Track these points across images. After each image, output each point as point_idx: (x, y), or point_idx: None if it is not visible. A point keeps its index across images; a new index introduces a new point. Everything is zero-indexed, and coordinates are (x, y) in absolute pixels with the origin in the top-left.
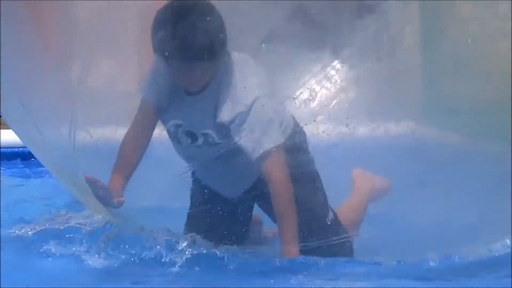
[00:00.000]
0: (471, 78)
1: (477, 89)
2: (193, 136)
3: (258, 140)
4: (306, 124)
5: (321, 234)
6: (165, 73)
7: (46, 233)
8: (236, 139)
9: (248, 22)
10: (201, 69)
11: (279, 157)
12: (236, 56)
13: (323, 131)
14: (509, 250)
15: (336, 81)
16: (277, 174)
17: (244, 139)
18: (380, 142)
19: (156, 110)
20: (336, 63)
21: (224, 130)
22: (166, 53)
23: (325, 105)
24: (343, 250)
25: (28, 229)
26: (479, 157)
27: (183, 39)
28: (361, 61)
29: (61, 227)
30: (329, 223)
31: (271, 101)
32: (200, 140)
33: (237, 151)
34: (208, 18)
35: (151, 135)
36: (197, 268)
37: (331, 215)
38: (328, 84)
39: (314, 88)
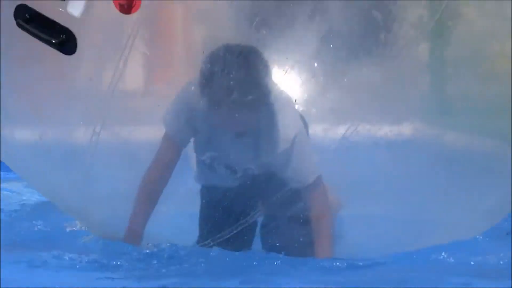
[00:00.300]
0: (477, 78)
1: (483, 89)
2: (231, 169)
3: (302, 174)
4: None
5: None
6: (202, 114)
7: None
8: (279, 173)
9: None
10: (249, 114)
11: (321, 185)
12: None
13: (326, 133)
14: None
15: (338, 82)
16: (321, 201)
17: (288, 174)
18: (383, 143)
19: (181, 146)
20: (339, 64)
21: (267, 166)
22: (215, 98)
23: (328, 107)
24: None
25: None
26: (480, 156)
27: (237, 86)
28: (364, 62)
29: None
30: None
31: (306, 132)
32: (239, 173)
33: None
34: (260, 65)
35: (174, 167)
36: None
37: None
38: (330, 85)
39: (315, 90)
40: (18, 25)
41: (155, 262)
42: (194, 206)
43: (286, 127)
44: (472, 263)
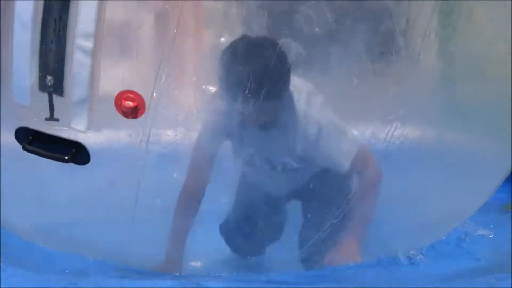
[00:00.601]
0: (487, 81)
1: (494, 92)
2: (271, 164)
3: (339, 154)
4: None
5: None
6: (227, 111)
7: None
8: (318, 161)
9: None
10: (272, 106)
11: (365, 153)
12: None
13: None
14: None
15: (348, 83)
16: (372, 166)
17: (326, 160)
18: (393, 146)
19: (214, 153)
20: (349, 65)
21: (303, 157)
22: (237, 90)
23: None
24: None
25: None
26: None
27: (258, 77)
28: (374, 62)
29: None
30: None
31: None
32: (279, 167)
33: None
34: (278, 54)
35: (209, 178)
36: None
37: None
38: (335, 87)
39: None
40: (24, 149)
41: None
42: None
43: (311, 115)
44: (472, 262)
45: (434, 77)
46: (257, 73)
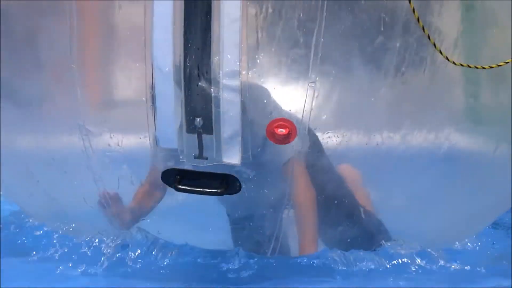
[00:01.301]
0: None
1: None
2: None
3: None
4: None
5: (361, 228)
6: None
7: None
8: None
9: None
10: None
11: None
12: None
13: (360, 140)
14: None
15: (372, 91)
16: (300, 180)
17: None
18: (417, 151)
19: None
20: (374, 71)
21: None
22: None
23: (362, 115)
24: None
25: None
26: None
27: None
28: (400, 70)
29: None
30: (363, 216)
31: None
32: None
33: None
34: None
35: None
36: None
37: (361, 209)
38: (364, 94)
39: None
40: (176, 189)
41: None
42: None
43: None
44: (472, 262)
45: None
46: None
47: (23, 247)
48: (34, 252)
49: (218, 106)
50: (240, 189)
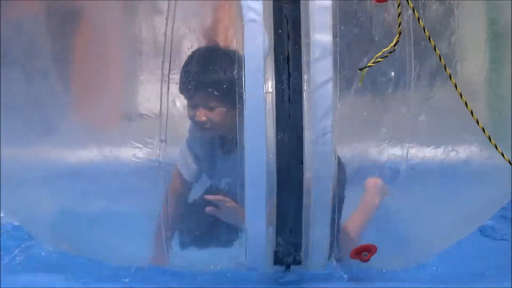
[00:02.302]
0: None
1: None
2: None
3: None
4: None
5: None
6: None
7: None
8: None
9: None
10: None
11: None
12: None
13: (380, 153)
14: None
15: (393, 103)
16: None
17: None
18: (443, 165)
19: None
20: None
21: None
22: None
23: (386, 126)
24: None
25: None
26: None
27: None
28: (426, 82)
29: None
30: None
31: None
32: None
33: None
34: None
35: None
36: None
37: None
38: (384, 106)
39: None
40: None
41: None
42: None
43: None
44: (472, 262)
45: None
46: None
47: None
48: None
49: None
50: None
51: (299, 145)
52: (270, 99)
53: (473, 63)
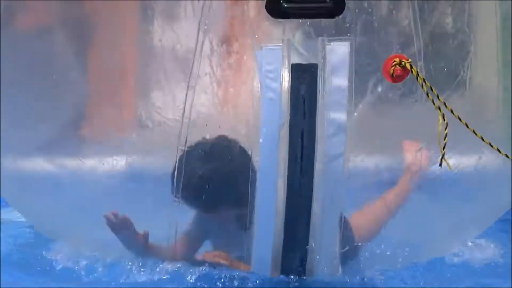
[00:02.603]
0: None
1: None
2: None
3: None
4: None
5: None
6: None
7: None
8: None
9: None
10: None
11: None
12: None
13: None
14: None
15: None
16: None
17: None
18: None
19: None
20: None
21: None
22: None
23: (393, 136)
24: None
25: None
26: None
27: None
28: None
29: None
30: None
31: None
32: None
33: None
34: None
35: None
36: None
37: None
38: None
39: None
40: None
41: None
42: None
43: None
44: (472, 264)
45: None
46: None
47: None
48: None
49: None
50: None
51: None
52: None
53: (485, 67)
